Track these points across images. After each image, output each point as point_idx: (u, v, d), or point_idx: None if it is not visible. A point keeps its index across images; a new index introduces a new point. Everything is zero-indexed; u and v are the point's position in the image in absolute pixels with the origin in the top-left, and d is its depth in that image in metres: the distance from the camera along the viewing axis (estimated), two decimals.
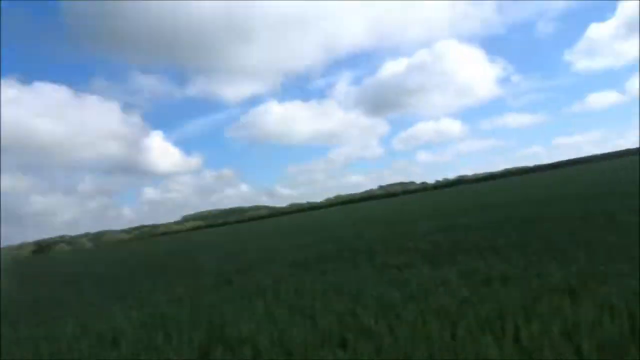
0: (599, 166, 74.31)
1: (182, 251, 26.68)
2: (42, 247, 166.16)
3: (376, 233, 15.11)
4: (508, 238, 8.99)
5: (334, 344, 4.41)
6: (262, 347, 4.66)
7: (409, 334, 4.19)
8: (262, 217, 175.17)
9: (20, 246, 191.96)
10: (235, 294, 7.64)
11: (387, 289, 6.11)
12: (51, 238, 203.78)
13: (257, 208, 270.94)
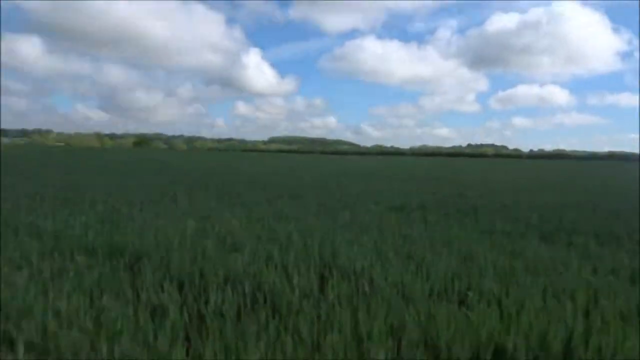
0: None
1: (277, 172, 27.62)
2: (141, 141, 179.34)
3: (479, 193, 14.72)
4: None
5: (452, 300, 4.47)
6: (377, 285, 4.84)
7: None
8: (344, 153, 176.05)
9: (122, 136, 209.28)
10: (339, 227, 7.88)
11: (500, 257, 6.01)
12: (149, 134, 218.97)
13: (341, 143, 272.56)
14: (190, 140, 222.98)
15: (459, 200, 12.21)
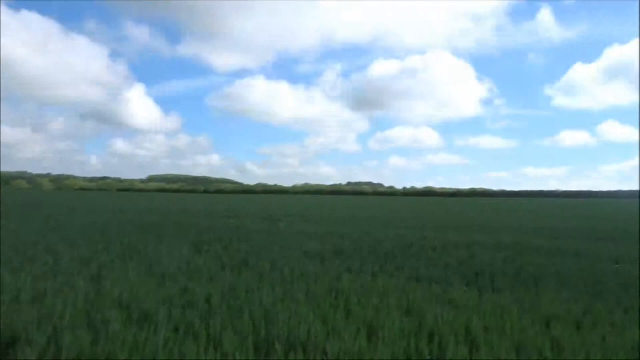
0: (560, 202, 75.68)
1: (165, 213, 25.59)
2: None
3: (389, 235, 14.56)
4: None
5: None
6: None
7: None
8: (227, 192, 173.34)
9: None
10: (260, 281, 6.99)
11: (449, 311, 5.58)
12: (10, 172, 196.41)
13: (225, 181, 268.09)
14: (59, 179, 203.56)
15: (371, 243, 11.88)
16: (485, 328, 4.78)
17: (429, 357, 4.10)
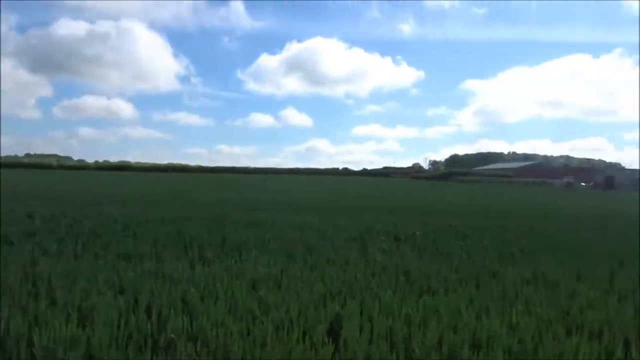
0: (252, 178, 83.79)
1: None
2: None
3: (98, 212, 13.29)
4: None
5: None
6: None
7: None
8: None
9: None
10: None
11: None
12: None
13: None
14: None
15: (68, 222, 10.80)
16: (201, 297, 5.06)
17: (149, 330, 4.12)
